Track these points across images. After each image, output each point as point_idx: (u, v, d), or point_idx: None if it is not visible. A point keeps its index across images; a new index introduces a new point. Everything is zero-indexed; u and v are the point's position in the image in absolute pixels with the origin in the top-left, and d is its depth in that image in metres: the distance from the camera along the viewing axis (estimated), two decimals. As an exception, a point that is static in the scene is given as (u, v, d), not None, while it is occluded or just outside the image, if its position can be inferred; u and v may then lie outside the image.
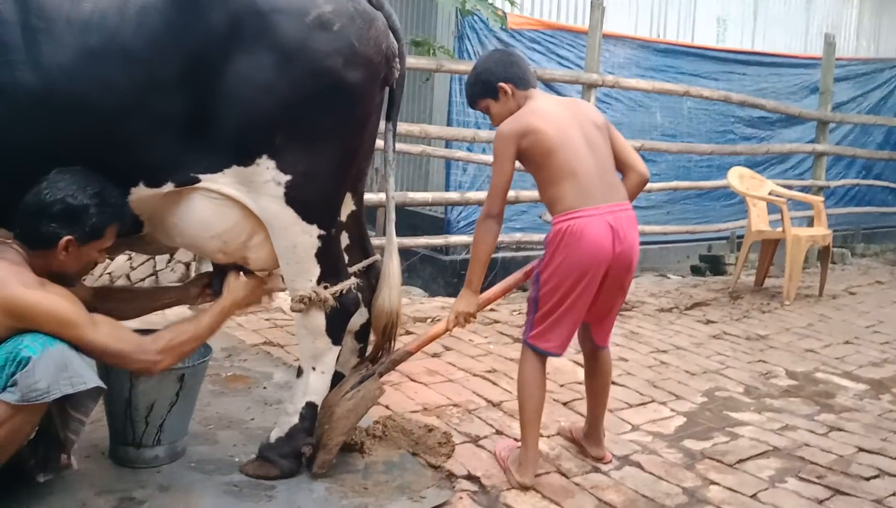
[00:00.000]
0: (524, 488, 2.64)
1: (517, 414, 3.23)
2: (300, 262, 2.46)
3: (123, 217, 2.27)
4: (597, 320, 2.76)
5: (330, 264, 2.50)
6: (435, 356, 3.94)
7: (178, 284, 3.98)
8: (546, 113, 2.63)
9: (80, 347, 2.10)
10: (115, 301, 2.68)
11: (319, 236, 2.44)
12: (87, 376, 2.07)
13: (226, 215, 2.38)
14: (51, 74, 2.11)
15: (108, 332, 2.16)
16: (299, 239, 2.42)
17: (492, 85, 2.69)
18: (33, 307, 2.04)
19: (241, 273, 2.50)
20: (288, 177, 2.33)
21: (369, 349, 2.86)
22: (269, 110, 2.26)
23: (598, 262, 2.56)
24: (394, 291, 2.65)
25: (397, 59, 2.55)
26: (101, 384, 2.10)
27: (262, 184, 2.33)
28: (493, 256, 7.52)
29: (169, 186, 2.31)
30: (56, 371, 2.00)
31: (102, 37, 2.13)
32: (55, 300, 2.08)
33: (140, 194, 2.31)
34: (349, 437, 2.64)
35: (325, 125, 2.34)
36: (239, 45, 2.21)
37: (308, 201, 2.38)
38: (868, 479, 2.88)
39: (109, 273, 4.58)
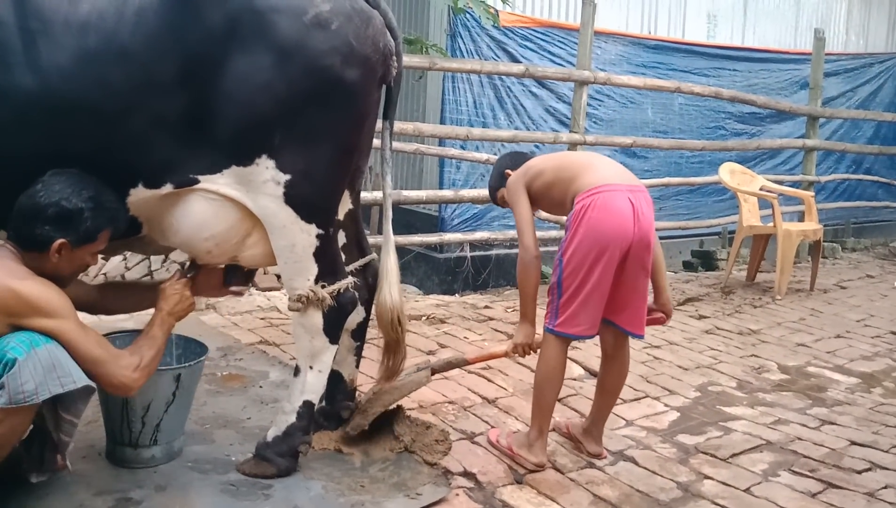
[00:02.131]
0: (539, 468, 2.73)
1: (512, 411, 3.27)
2: (298, 261, 2.46)
3: (118, 221, 2.26)
4: (622, 305, 2.75)
5: (328, 263, 2.51)
6: (430, 353, 3.95)
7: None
8: (539, 157, 3.05)
9: (65, 345, 2.07)
10: (119, 296, 2.69)
11: (318, 236, 2.45)
12: (76, 374, 2.05)
13: (223, 217, 2.38)
14: (49, 75, 2.10)
15: (94, 337, 2.15)
16: (298, 238, 2.42)
17: (501, 175, 3.11)
18: (23, 296, 2.03)
19: (173, 280, 2.48)
20: (287, 176, 2.34)
21: (364, 346, 2.87)
22: (268, 110, 2.26)
23: (621, 237, 2.61)
24: (393, 287, 2.65)
25: (394, 58, 2.55)
26: (90, 383, 2.09)
27: (261, 184, 2.34)
28: (487, 253, 7.53)
29: (168, 188, 2.31)
30: (44, 372, 1.98)
31: (100, 38, 2.13)
32: (45, 291, 2.07)
33: (139, 195, 2.31)
34: (386, 409, 2.81)
35: (323, 124, 2.35)
36: (237, 44, 2.22)
37: (307, 200, 2.39)
38: (860, 472, 2.91)
39: (104, 274, 4.57)
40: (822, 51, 7.99)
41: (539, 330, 2.83)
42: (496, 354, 3.00)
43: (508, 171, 3.05)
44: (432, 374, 2.92)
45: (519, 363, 3.85)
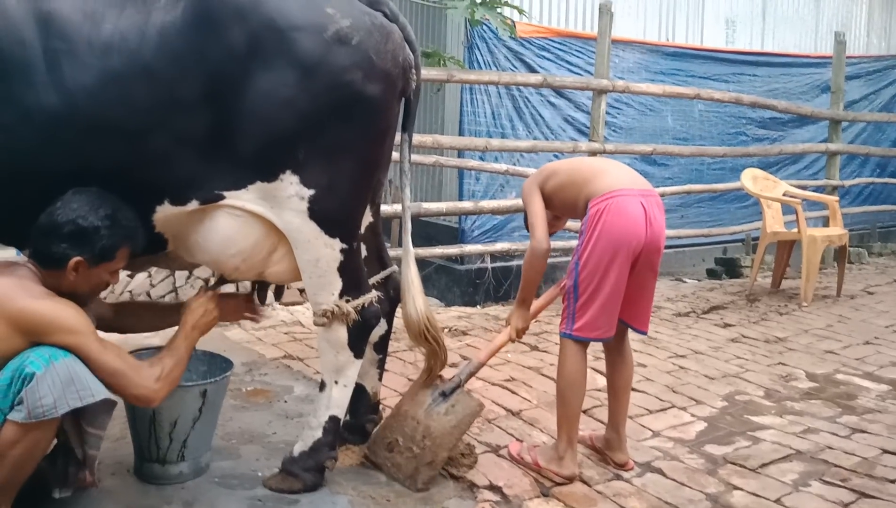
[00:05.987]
0: (570, 481, 2.72)
1: (537, 423, 3.25)
2: (323, 275, 2.48)
3: (135, 239, 2.27)
4: (631, 303, 2.79)
5: (352, 277, 2.53)
6: (452, 366, 3.94)
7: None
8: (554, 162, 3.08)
9: (85, 360, 2.08)
10: (136, 315, 2.71)
11: (342, 250, 2.46)
12: (94, 388, 2.05)
13: (248, 233, 2.40)
14: (73, 95, 2.14)
15: (113, 350, 2.16)
16: (322, 253, 2.44)
17: None
18: (39, 315, 2.04)
19: (200, 294, 2.49)
20: (311, 191, 2.36)
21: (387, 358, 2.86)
22: (291, 126, 2.29)
23: (634, 240, 2.65)
24: (417, 298, 2.67)
25: (413, 71, 2.57)
26: (111, 396, 2.09)
27: (286, 199, 2.36)
28: (508, 264, 7.54)
29: (194, 204, 2.34)
30: (63, 386, 1.99)
31: (123, 58, 2.17)
32: (61, 308, 2.09)
33: (165, 211, 2.34)
34: (454, 452, 2.73)
35: (346, 139, 2.37)
36: (259, 62, 2.24)
37: (330, 214, 2.41)
38: (893, 481, 2.86)
39: (130, 291, 4.62)
40: (843, 54, 7.92)
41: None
42: (501, 344, 2.98)
43: None
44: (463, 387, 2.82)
45: (542, 375, 3.84)
